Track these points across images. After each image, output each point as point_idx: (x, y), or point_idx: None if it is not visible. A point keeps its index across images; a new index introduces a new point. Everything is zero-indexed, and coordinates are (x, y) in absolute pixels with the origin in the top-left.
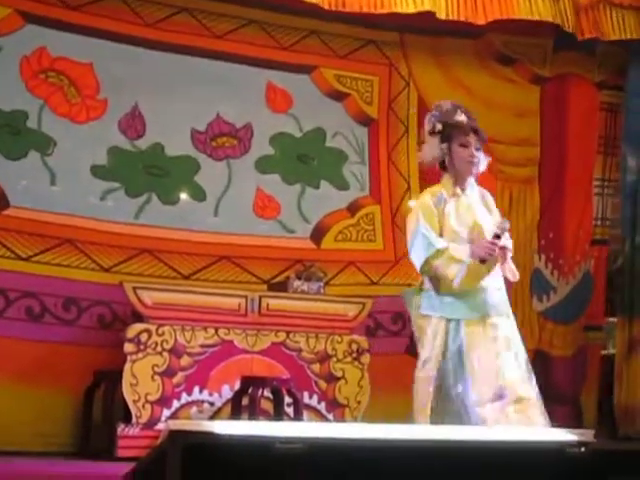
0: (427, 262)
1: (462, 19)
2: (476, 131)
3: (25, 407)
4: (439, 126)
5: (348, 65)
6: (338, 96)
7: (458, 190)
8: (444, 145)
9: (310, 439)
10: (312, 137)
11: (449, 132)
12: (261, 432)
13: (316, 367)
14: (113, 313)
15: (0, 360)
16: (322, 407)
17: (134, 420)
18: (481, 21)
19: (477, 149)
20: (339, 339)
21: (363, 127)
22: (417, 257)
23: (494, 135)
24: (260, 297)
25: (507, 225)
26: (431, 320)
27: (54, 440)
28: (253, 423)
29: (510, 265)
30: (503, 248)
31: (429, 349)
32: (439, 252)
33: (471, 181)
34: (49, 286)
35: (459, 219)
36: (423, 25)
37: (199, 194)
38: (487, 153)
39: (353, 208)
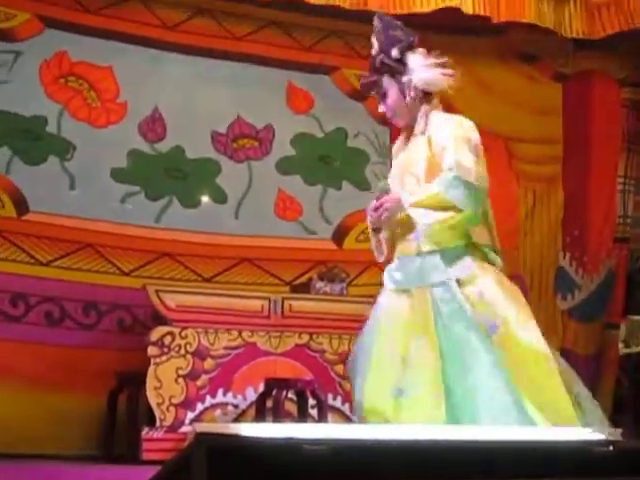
0: None
1: (485, 14)
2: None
3: (46, 411)
4: None
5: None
6: (359, 96)
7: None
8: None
9: (337, 441)
10: (333, 138)
11: None
12: (287, 434)
13: (340, 368)
14: (133, 317)
15: (21, 365)
16: (346, 408)
17: (158, 423)
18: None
19: (382, 98)
20: None
21: (385, 127)
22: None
23: (516, 133)
24: (283, 299)
25: (387, 187)
26: None
27: (76, 444)
28: (279, 425)
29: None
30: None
31: None
32: None
33: (417, 130)
34: (69, 291)
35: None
36: (443, 24)
37: (220, 196)
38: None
39: None
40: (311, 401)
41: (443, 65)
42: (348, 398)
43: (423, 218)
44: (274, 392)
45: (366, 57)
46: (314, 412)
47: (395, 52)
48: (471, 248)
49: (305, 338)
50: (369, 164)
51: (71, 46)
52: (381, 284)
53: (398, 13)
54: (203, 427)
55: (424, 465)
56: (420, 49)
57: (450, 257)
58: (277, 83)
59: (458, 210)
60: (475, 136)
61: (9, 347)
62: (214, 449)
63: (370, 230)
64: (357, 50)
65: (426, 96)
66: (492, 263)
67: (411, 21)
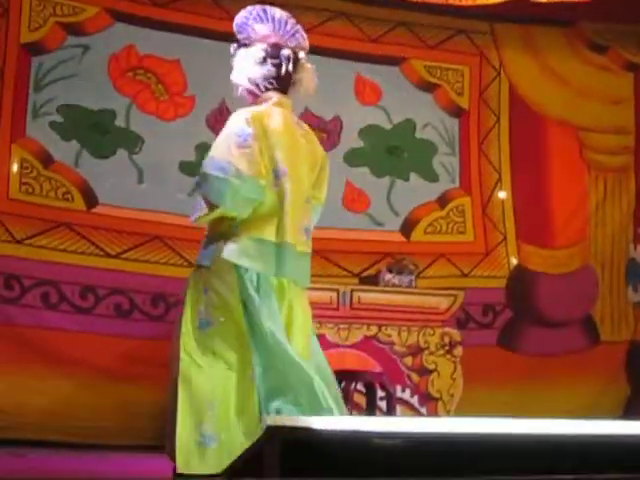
0: None
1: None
2: None
3: (116, 402)
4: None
5: (438, 56)
6: (428, 87)
7: None
8: None
9: (409, 434)
10: (402, 129)
11: None
12: (359, 427)
13: (408, 360)
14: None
15: (90, 356)
16: (415, 401)
17: None
18: None
19: None
20: (431, 332)
21: (454, 118)
22: None
23: (588, 124)
24: (352, 291)
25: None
26: None
27: (145, 435)
28: (350, 418)
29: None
30: None
31: None
32: None
33: None
34: (138, 282)
35: None
36: (513, 13)
37: None
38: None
39: (443, 200)
40: (380, 393)
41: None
42: (417, 390)
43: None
44: (342, 384)
45: (434, 47)
46: (382, 404)
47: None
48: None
49: (374, 330)
50: (437, 155)
51: (139, 40)
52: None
53: (470, 4)
54: (275, 420)
55: (495, 458)
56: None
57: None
58: (345, 75)
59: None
60: (236, 127)
61: (79, 339)
62: (286, 442)
63: None
64: (425, 40)
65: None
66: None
67: (482, 13)
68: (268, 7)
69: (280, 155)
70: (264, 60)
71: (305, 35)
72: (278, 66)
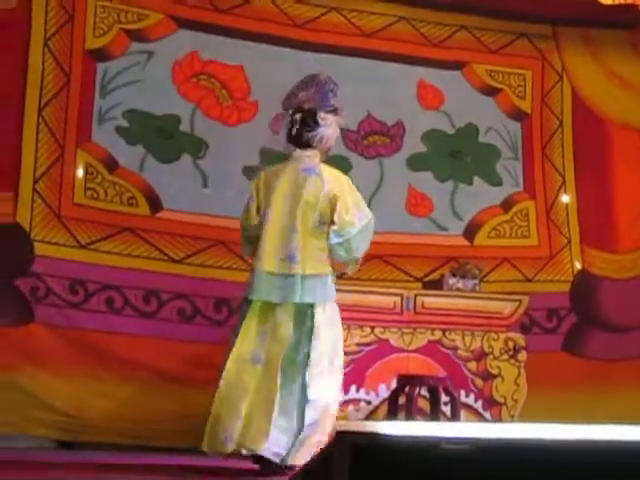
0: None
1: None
2: None
3: (176, 406)
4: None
5: (500, 60)
6: (490, 91)
7: None
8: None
9: (477, 439)
10: (464, 133)
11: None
12: (427, 433)
13: (472, 365)
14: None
15: (153, 360)
16: (479, 405)
17: None
18: None
19: None
20: (495, 337)
21: (516, 122)
22: (363, 246)
23: None
24: (416, 295)
25: None
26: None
27: None
28: (418, 423)
29: None
30: None
31: None
32: None
33: None
34: (201, 287)
35: None
36: (575, 16)
37: None
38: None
39: (507, 204)
40: (444, 398)
41: None
42: (481, 395)
43: None
44: (406, 389)
45: (496, 51)
46: (447, 409)
47: None
48: None
49: (438, 335)
50: (500, 159)
51: (202, 46)
52: (513, 280)
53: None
54: (343, 425)
55: (565, 464)
56: None
57: None
58: (407, 79)
59: None
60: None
61: (142, 343)
62: (355, 447)
63: None
64: (487, 45)
65: None
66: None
67: (544, 16)
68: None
69: (268, 199)
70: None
71: (322, 92)
72: (289, 128)
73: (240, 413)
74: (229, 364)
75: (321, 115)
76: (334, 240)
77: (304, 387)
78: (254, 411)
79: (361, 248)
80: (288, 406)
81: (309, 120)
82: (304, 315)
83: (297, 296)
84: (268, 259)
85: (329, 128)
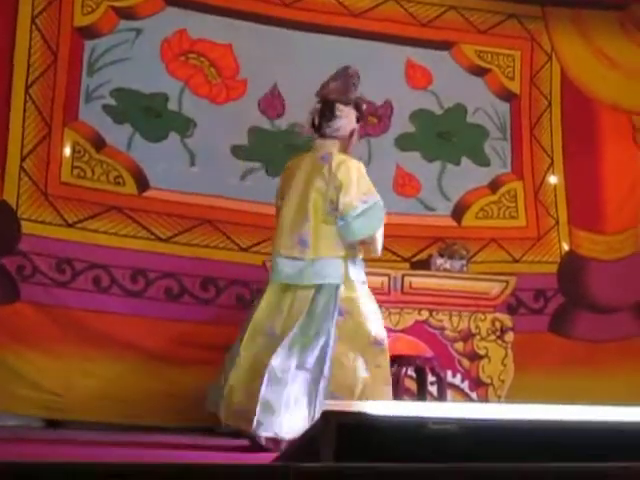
0: (375, 233)
1: None
2: None
3: (163, 385)
4: (364, 107)
5: (489, 40)
6: (479, 72)
7: None
8: (356, 126)
9: (463, 420)
10: (453, 113)
11: (361, 117)
12: (413, 413)
13: (459, 345)
14: (251, 292)
15: (140, 339)
16: (465, 386)
17: None
18: None
19: None
20: (482, 317)
21: (505, 103)
22: (370, 225)
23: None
24: (403, 275)
25: None
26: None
27: (195, 417)
28: (405, 403)
29: None
30: None
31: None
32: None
33: None
34: (188, 266)
35: None
36: None
37: None
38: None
39: (495, 185)
40: (430, 378)
41: None
42: (468, 375)
43: None
44: (393, 369)
45: (485, 32)
46: (433, 389)
47: None
48: None
49: (425, 315)
50: (488, 140)
51: (191, 24)
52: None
53: None
54: (330, 405)
55: (548, 445)
56: None
57: None
58: (395, 59)
59: None
60: None
61: (130, 322)
62: (341, 426)
63: None
64: (475, 25)
65: None
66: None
67: None
68: None
69: (287, 186)
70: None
71: (346, 85)
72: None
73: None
74: (246, 337)
75: (339, 107)
76: (339, 223)
77: (318, 364)
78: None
79: (363, 230)
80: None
81: (327, 111)
82: (317, 295)
83: (307, 278)
84: (283, 243)
85: (344, 119)
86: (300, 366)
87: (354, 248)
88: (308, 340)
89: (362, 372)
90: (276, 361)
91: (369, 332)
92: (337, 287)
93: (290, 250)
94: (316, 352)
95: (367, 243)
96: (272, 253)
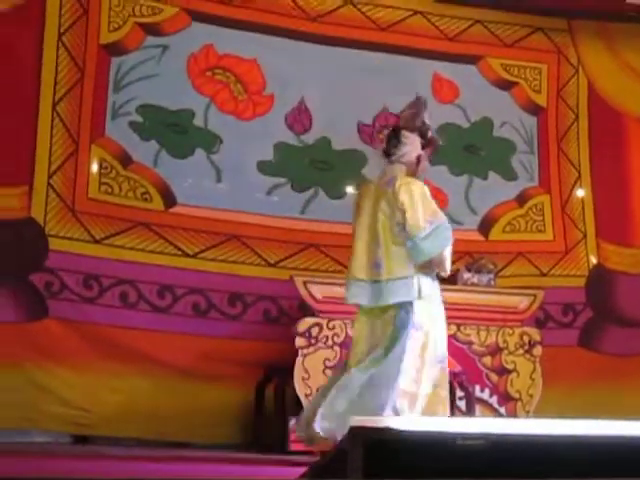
0: (442, 252)
1: None
2: None
3: (191, 401)
4: (430, 134)
5: (515, 54)
6: (506, 85)
7: None
8: (422, 152)
9: (492, 435)
10: (480, 127)
11: (429, 143)
12: (442, 428)
13: (487, 360)
14: (279, 308)
15: (168, 355)
16: (494, 401)
17: None
18: None
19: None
20: (510, 331)
21: (532, 116)
22: (435, 245)
23: None
24: None
25: None
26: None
27: (223, 432)
28: (432, 419)
29: None
30: None
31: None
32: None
33: None
34: (215, 282)
35: None
36: (591, 10)
37: None
38: None
39: (522, 198)
40: (458, 393)
41: None
42: (496, 390)
43: None
44: None
45: (511, 45)
46: (462, 404)
47: None
48: None
49: (452, 329)
50: (516, 154)
51: (217, 39)
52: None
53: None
54: (358, 421)
55: (578, 460)
56: None
57: None
58: (422, 73)
59: None
60: None
61: (157, 337)
62: (369, 442)
63: None
64: (502, 39)
65: None
66: None
67: (559, 9)
68: None
69: (358, 210)
70: None
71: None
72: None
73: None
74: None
75: (404, 134)
76: (407, 244)
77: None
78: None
79: (432, 250)
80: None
81: (393, 137)
82: (396, 313)
83: (384, 299)
84: (358, 267)
85: (408, 146)
86: (376, 378)
87: (425, 266)
88: (386, 354)
89: (427, 388)
90: (359, 375)
91: (436, 350)
92: (411, 304)
93: (365, 273)
94: (392, 364)
95: (436, 262)
96: (347, 276)
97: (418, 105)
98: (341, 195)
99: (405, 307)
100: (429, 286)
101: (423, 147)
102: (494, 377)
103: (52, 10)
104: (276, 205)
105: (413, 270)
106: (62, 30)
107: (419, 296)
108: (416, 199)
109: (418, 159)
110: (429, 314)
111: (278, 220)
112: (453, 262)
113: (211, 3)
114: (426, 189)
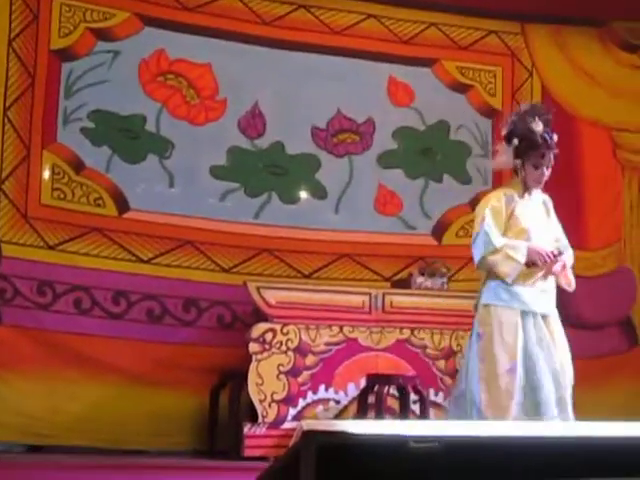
0: (484, 258)
1: None
2: (550, 146)
3: (146, 407)
4: (515, 141)
5: (470, 56)
6: (461, 88)
7: (527, 195)
8: (518, 161)
9: (446, 438)
10: (435, 130)
11: (524, 149)
12: (395, 431)
13: (441, 364)
14: (233, 313)
15: (122, 361)
16: (448, 404)
17: (260, 419)
18: None
19: (548, 167)
20: (464, 335)
21: (487, 119)
22: (477, 252)
23: (620, 123)
24: (384, 294)
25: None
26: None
27: (179, 440)
28: (386, 422)
29: (568, 277)
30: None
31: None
32: (496, 250)
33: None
34: (169, 288)
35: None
36: (544, 13)
37: (320, 192)
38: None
39: (475, 202)
40: (413, 397)
41: None
42: (450, 394)
43: None
44: (376, 388)
45: (466, 48)
46: (416, 408)
47: None
48: None
49: (406, 333)
50: (471, 157)
51: (169, 44)
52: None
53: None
54: (310, 424)
55: (532, 461)
56: None
57: None
58: (377, 76)
59: None
60: None
61: (111, 344)
62: (322, 446)
63: (523, 261)
64: (456, 41)
65: None
66: None
67: (513, 13)
68: None
69: None
70: None
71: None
72: None
73: None
74: None
75: (497, 145)
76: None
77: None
78: None
79: (476, 257)
80: None
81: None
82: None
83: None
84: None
85: (499, 156)
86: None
87: (491, 273)
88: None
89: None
90: None
91: (497, 359)
92: (484, 306)
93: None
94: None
95: (489, 267)
96: None
97: (512, 114)
98: (295, 200)
99: (480, 310)
100: (492, 292)
101: (517, 155)
102: (448, 380)
103: (2, 15)
104: (230, 210)
105: (484, 277)
106: (12, 36)
107: (485, 302)
108: (478, 210)
109: (515, 168)
110: (488, 322)
111: (232, 225)
112: (406, 266)
113: (163, 8)
114: (493, 198)
